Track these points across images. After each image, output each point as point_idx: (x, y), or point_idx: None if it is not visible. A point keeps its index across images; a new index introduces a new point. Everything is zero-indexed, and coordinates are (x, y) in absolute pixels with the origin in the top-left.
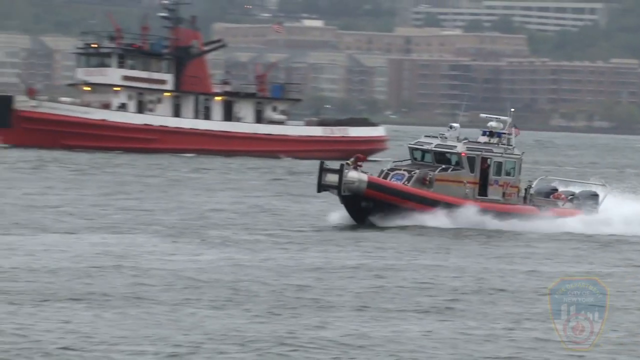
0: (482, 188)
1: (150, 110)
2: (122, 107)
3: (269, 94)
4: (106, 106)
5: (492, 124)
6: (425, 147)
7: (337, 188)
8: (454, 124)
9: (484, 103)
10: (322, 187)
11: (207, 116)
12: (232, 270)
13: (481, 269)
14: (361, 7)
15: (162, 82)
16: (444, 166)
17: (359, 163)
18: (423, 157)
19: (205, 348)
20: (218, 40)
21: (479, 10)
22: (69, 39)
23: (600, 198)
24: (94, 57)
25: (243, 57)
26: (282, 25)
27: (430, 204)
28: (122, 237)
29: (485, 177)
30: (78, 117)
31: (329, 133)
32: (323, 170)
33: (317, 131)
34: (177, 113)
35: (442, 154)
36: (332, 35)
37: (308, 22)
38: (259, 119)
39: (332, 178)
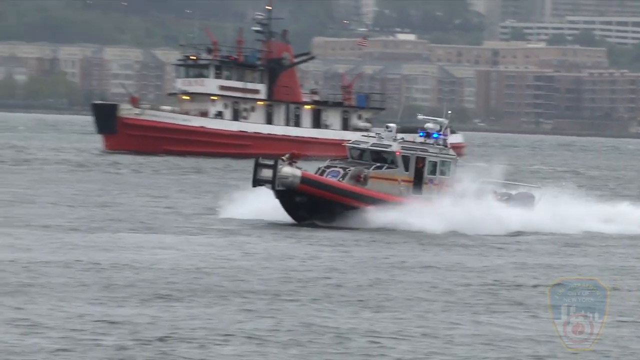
0: (417, 186)
1: (245, 117)
2: (219, 114)
3: (354, 103)
4: (204, 114)
5: (429, 125)
6: (362, 146)
7: (272, 183)
8: (391, 125)
9: (566, 112)
10: (257, 181)
11: (297, 123)
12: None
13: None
14: (452, 21)
15: (256, 91)
16: (378, 164)
17: (294, 159)
18: (361, 155)
19: None
20: (307, 53)
21: (562, 24)
22: (177, 52)
23: (536, 199)
24: (192, 68)
25: (341, 68)
26: (367, 40)
27: (362, 200)
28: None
29: (420, 176)
30: (178, 124)
31: (410, 140)
32: (258, 166)
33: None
34: (269, 120)
35: (378, 152)
36: (424, 48)
37: (402, 36)
38: (345, 126)
39: (267, 173)
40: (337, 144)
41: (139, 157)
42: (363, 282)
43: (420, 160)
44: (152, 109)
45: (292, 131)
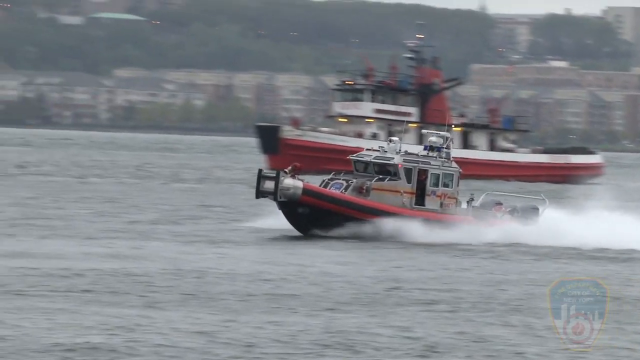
0: (420, 198)
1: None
2: (374, 136)
3: (500, 125)
4: (360, 135)
5: (432, 139)
6: (366, 158)
7: (274, 194)
8: (394, 138)
9: None
10: (260, 193)
11: None
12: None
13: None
14: (601, 49)
15: (408, 114)
16: (381, 176)
17: (297, 171)
18: (365, 168)
19: None
20: (456, 79)
21: None
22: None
23: (540, 211)
24: (349, 92)
25: (496, 93)
26: (515, 67)
27: (364, 210)
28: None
29: (422, 188)
30: (336, 145)
31: (552, 160)
32: (261, 178)
33: (543, 158)
34: (421, 142)
35: (382, 165)
36: (575, 75)
37: (554, 63)
38: (492, 147)
39: (269, 185)
40: (485, 164)
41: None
42: None
43: (423, 173)
44: (312, 130)
45: None
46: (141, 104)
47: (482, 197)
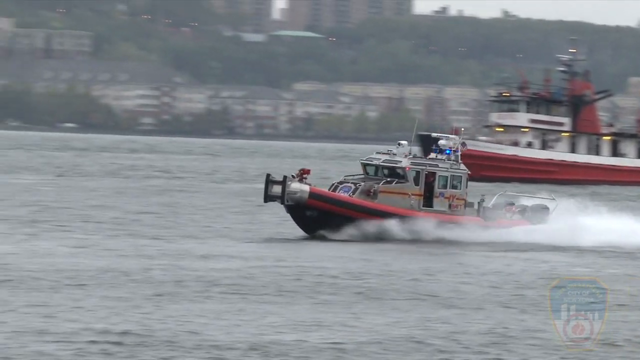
0: (428, 200)
1: (551, 147)
2: (529, 145)
3: None
4: (515, 144)
5: (442, 142)
6: (375, 162)
7: (281, 198)
8: (402, 142)
9: None
10: (268, 197)
11: (597, 152)
12: None
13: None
14: None
15: (561, 124)
16: (389, 179)
17: (305, 175)
18: (376, 172)
19: None
20: (606, 91)
21: None
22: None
23: (550, 210)
24: (505, 103)
25: None
26: None
27: (369, 212)
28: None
29: (430, 190)
30: (494, 153)
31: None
32: (269, 182)
33: None
34: (573, 150)
35: (391, 168)
36: None
37: None
38: None
39: (277, 189)
40: (633, 171)
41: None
42: None
43: (431, 175)
44: (471, 139)
45: (593, 159)
46: (319, 115)
47: (495, 198)
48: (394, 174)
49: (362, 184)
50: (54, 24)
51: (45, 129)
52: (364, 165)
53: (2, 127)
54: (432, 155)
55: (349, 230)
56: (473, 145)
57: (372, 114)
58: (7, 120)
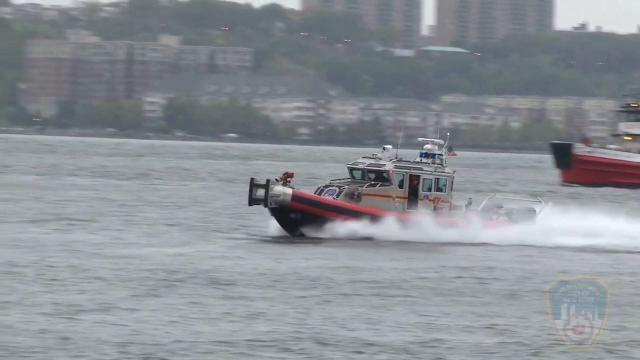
0: (412, 202)
1: None
2: None
3: None
4: None
5: (427, 146)
6: (360, 166)
7: (264, 201)
8: (387, 146)
9: None
10: (252, 201)
11: None
12: None
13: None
14: None
15: None
16: (372, 182)
17: (288, 179)
18: (363, 175)
19: None
20: None
21: None
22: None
23: (537, 212)
24: (633, 113)
25: None
26: None
27: (350, 214)
28: None
29: (415, 192)
30: (622, 160)
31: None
32: (253, 186)
33: None
34: None
35: (374, 171)
36: None
37: None
38: None
39: (261, 192)
40: None
41: (589, 188)
42: None
43: (415, 178)
44: (601, 147)
45: None
46: (465, 125)
47: (485, 201)
48: (379, 177)
49: (346, 186)
50: (217, 41)
51: (209, 139)
52: (351, 169)
53: (169, 138)
54: (418, 159)
55: (332, 230)
56: (602, 153)
57: (515, 124)
58: (174, 130)
